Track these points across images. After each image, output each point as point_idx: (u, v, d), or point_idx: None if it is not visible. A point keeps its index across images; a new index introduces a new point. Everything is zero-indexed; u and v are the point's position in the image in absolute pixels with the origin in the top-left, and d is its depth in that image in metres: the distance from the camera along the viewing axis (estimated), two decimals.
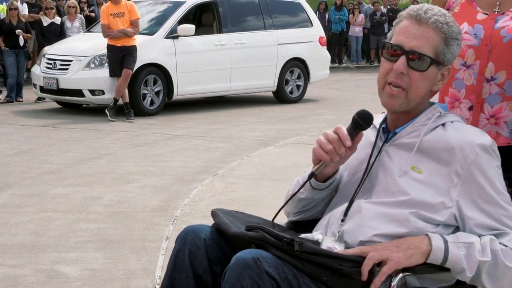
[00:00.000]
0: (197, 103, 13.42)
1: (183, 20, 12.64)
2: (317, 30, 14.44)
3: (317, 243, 2.33)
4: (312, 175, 2.43)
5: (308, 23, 14.34)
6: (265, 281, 2.13)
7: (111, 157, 8.53)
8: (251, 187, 7.04)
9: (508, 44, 2.65)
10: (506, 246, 2.27)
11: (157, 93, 12.20)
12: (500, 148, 2.42)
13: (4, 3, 15.19)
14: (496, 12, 2.71)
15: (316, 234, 2.37)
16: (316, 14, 20.24)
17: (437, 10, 2.39)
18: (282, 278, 2.16)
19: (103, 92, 11.74)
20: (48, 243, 5.30)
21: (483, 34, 2.68)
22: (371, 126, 2.51)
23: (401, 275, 2.24)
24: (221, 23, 13.09)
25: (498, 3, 2.73)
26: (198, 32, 12.67)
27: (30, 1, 16.66)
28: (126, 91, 11.51)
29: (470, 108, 2.75)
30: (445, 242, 2.26)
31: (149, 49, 12.06)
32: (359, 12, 22.02)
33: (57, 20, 14.35)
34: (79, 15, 15.53)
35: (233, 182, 7.27)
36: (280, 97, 13.85)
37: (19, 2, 15.88)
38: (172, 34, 12.32)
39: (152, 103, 12.15)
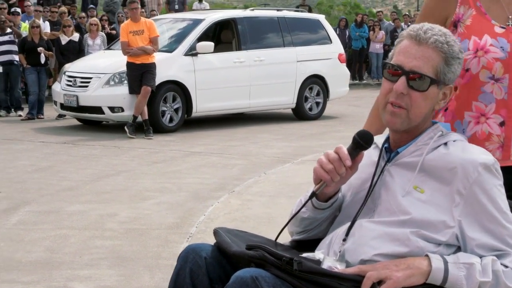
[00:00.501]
0: (216, 120, 13.46)
1: (202, 37, 12.71)
2: (337, 47, 14.45)
3: (318, 262, 2.32)
4: (313, 194, 2.43)
5: (327, 40, 14.35)
6: None
7: (128, 174, 8.57)
8: (266, 205, 7.04)
9: None
10: (507, 267, 2.25)
11: (176, 110, 12.26)
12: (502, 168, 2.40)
13: (27, 21, 15.37)
14: (510, 25, 2.68)
15: (317, 254, 2.36)
16: (336, 31, 20.28)
17: (438, 30, 2.38)
18: None
19: (122, 109, 11.81)
20: (63, 260, 5.33)
21: (509, 47, 2.64)
22: (374, 145, 2.52)
23: None
24: (240, 40, 13.15)
25: (509, 16, 2.70)
26: (217, 49, 12.73)
27: (52, 19, 16.85)
28: (145, 108, 11.58)
29: (502, 124, 2.69)
30: (445, 262, 2.24)
31: (168, 66, 12.13)
32: (380, 29, 22.02)
33: (75, 37, 14.48)
34: (101, 32, 15.67)
35: (249, 199, 7.28)
36: (299, 114, 13.85)
37: (41, 20, 16.07)
38: (191, 52, 12.39)
39: (171, 120, 12.20)
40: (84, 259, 5.36)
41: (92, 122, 12.72)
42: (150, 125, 11.58)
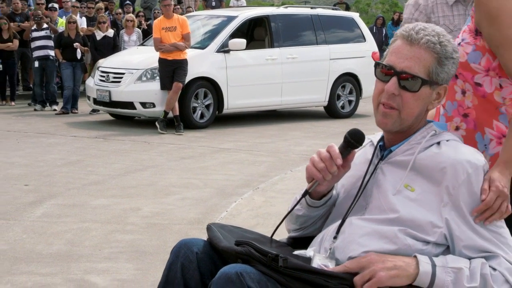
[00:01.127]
0: (247, 116, 13.48)
1: (235, 34, 12.74)
2: (370, 45, 14.36)
3: (309, 259, 2.32)
4: (306, 192, 2.44)
5: (361, 38, 14.28)
6: None
7: (156, 169, 8.63)
8: (289, 202, 7.00)
9: None
10: (495, 269, 2.23)
11: (207, 107, 12.31)
12: None
13: (64, 17, 15.55)
14: None
15: (309, 251, 2.37)
16: (373, 29, 20.21)
17: (431, 30, 2.35)
18: None
19: (154, 105, 11.90)
20: (82, 253, 5.39)
21: None
22: (370, 143, 2.51)
23: None
24: (273, 37, 13.15)
25: None
26: (249, 46, 12.76)
27: (89, 15, 17.02)
28: (176, 104, 11.65)
29: None
30: (433, 265, 2.23)
31: (200, 63, 12.18)
32: None
33: (110, 33, 14.61)
34: (137, 28, 15.78)
35: (272, 196, 7.28)
36: (331, 112, 13.82)
37: (78, 15, 16.25)
38: (224, 48, 12.43)
39: (202, 116, 12.26)
40: (103, 253, 5.42)
41: (124, 117, 12.85)
42: (181, 121, 11.65)
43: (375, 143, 2.51)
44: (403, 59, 2.34)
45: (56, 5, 16.37)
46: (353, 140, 2.39)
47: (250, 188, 7.63)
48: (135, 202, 6.98)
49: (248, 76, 12.60)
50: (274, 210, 6.74)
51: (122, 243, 5.65)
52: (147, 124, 12.30)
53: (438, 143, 2.38)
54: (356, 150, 2.42)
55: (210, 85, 12.29)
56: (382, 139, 2.51)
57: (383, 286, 2.21)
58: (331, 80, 13.64)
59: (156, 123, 11.59)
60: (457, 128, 2.67)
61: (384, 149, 2.47)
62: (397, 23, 21.93)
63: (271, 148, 10.23)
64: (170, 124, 11.63)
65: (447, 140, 2.38)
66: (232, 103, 12.46)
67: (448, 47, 2.36)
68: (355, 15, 14.86)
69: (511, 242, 2.29)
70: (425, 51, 2.33)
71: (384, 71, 2.38)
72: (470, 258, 2.26)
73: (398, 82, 2.33)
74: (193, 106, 12.13)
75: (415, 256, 2.25)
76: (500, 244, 2.26)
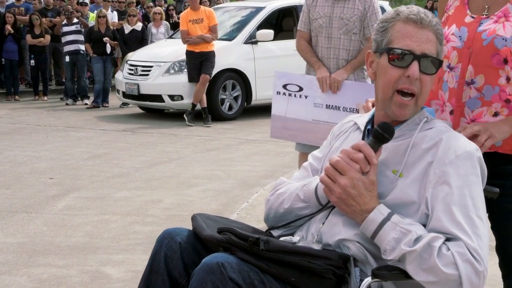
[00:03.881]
0: None
1: (263, 25, 12.70)
2: None
3: (294, 244, 2.29)
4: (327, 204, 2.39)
5: None
6: (228, 287, 2.11)
7: (181, 161, 8.65)
8: None
9: (486, 47, 2.56)
10: (449, 250, 2.13)
11: (236, 98, 12.31)
12: (483, 155, 2.32)
13: (95, 11, 15.66)
14: (484, 16, 2.63)
15: (294, 237, 2.34)
16: None
17: (426, 11, 2.36)
18: (247, 283, 2.14)
19: (182, 97, 11.92)
20: (100, 245, 5.42)
21: (466, 37, 2.61)
22: (354, 126, 2.47)
23: (369, 280, 2.18)
24: None
25: (487, 6, 2.64)
26: (277, 37, 12.70)
27: (120, 8, 17.11)
28: (204, 96, 11.66)
29: (451, 112, 2.66)
30: (386, 219, 2.19)
31: (228, 55, 12.17)
32: None
33: (138, 26, 14.64)
34: (164, 21, 15.81)
35: None
36: None
37: (109, 10, 16.35)
38: (251, 40, 12.41)
39: (230, 108, 12.26)
40: (120, 244, 5.44)
41: (154, 110, 12.89)
42: (209, 113, 11.66)
43: (361, 127, 2.46)
44: (420, 43, 2.31)
45: (87, 0, 16.48)
46: (386, 133, 2.29)
47: (273, 179, 7.60)
48: (157, 194, 7.00)
49: (276, 67, 12.45)
50: None
51: (140, 235, 5.67)
52: (176, 116, 12.34)
53: (431, 129, 2.34)
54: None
55: (238, 77, 12.28)
56: (369, 122, 2.46)
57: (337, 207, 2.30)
58: None
59: (184, 116, 11.61)
60: (495, 114, 2.62)
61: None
62: (430, 10, 21.66)
63: None
64: (198, 116, 11.64)
65: (439, 128, 2.34)
66: (261, 94, 12.42)
67: (441, 27, 2.37)
68: (385, 3, 14.69)
69: (484, 235, 2.17)
70: (433, 33, 2.33)
71: (398, 57, 2.31)
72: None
73: (419, 66, 2.30)
74: (221, 98, 12.14)
75: (380, 203, 2.25)
76: (468, 231, 2.15)
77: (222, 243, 2.23)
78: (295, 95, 5.73)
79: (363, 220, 2.23)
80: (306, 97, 5.67)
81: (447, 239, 2.15)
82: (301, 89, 5.69)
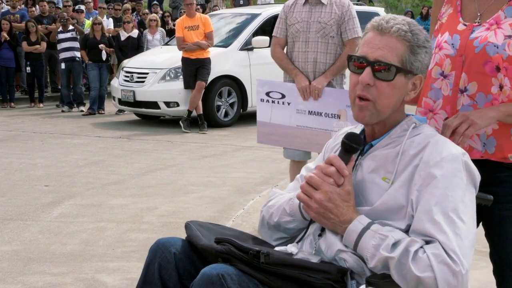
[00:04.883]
0: None
1: (259, 32, 12.71)
2: None
3: (291, 255, 2.29)
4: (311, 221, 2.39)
5: None
6: None
7: (176, 168, 8.64)
8: None
9: (479, 54, 2.57)
10: (424, 252, 2.11)
11: (232, 105, 12.32)
12: (473, 162, 2.33)
13: (90, 18, 15.66)
14: (476, 23, 2.64)
15: (290, 247, 2.34)
16: None
17: (401, 19, 2.34)
18: None
19: (177, 104, 11.93)
20: (95, 253, 5.41)
21: (458, 44, 2.62)
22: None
23: (363, 287, 2.18)
24: None
25: (479, 14, 2.65)
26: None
27: (116, 16, 17.12)
28: (200, 103, 11.67)
29: (446, 119, 2.66)
30: (365, 228, 2.21)
31: (223, 61, 12.19)
32: None
33: (134, 33, 14.66)
34: (160, 28, 15.82)
35: None
36: None
37: (105, 17, 16.36)
38: (247, 46, 12.42)
39: (226, 114, 12.26)
40: (116, 252, 5.43)
41: (149, 117, 12.89)
42: (205, 120, 11.66)
43: None
44: (375, 49, 2.30)
45: (82, 7, 16.48)
46: (354, 143, 2.33)
47: (269, 185, 7.61)
48: (153, 201, 6.99)
49: (271, 74, 12.48)
50: None
51: (136, 242, 5.66)
52: (172, 123, 12.34)
53: (418, 135, 2.34)
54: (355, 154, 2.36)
55: (234, 83, 12.30)
56: (362, 132, 2.46)
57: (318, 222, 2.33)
58: None
59: (180, 122, 11.61)
60: None
61: (364, 143, 2.43)
62: (425, 17, 21.69)
63: None
64: (194, 123, 11.65)
65: (426, 133, 2.34)
66: None
67: (420, 35, 2.33)
68: (380, 10, 14.75)
69: (465, 236, 2.14)
70: (397, 40, 2.30)
71: (357, 64, 2.34)
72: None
73: (372, 72, 2.29)
74: (217, 104, 12.15)
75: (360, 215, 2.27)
76: (447, 231, 2.13)
77: (221, 253, 2.22)
78: (278, 102, 5.82)
79: (343, 231, 2.25)
80: (288, 103, 5.78)
81: (427, 242, 2.14)
82: (283, 96, 5.80)
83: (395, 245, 2.14)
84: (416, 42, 2.31)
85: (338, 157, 2.32)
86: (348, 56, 2.37)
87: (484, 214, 2.62)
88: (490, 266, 2.87)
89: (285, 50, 5.91)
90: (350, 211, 2.25)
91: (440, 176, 2.20)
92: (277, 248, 2.35)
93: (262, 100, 5.96)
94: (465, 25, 2.66)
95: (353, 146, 2.33)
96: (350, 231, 2.22)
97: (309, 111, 5.69)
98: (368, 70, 2.30)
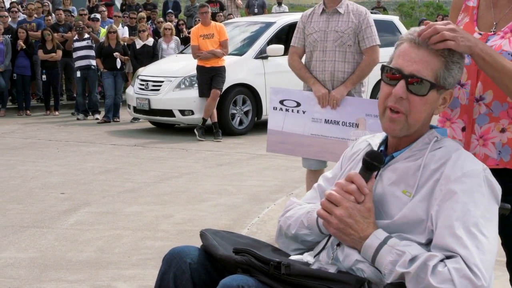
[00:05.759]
0: None
1: (273, 40, 12.75)
2: None
3: (307, 264, 2.30)
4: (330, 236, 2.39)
5: None
6: None
7: (191, 176, 8.67)
8: None
9: None
10: (445, 266, 2.09)
11: (246, 113, 12.34)
12: (492, 171, 2.33)
13: (106, 26, 15.75)
14: (491, 32, 2.64)
15: (306, 256, 2.34)
16: None
17: None
18: None
19: (192, 112, 11.96)
20: (111, 260, 5.43)
21: None
22: (369, 147, 2.47)
23: None
24: None
25: (495, 23, 2.66)
26: (288, 52, 12.68)
27: (131, 24, 17.20)
28: (215, 111, 11.71)
29: (463, 129, 2.66)
30: (382, 243, 2.20)
31: (238, 70, 12.22)
32: None
33: (150, 42, 14.74)
34: (175, 36, 15.88)
35: None
36: None
37: (120, 25, 16.44)
38: (262, 55, 12.45)
39: (241, 122, 12.29)
40: (132, 259, 5.45)
41: (164, 125, 12.93)
42: (219, 128, 11.69)
43: (375, 148, 2.46)
44: (411, 62, 2.29)
45: (98, 15, 16.58)
46: (375, 161, 2.32)
47: (283, 193, 7.62)
48: (168, 209, 7.02)
49: (286, 82, 12.48)
50: None
51: (151, 250, 5.68)
52: (187, 131, 12.38)
53: (439, 148, 2.33)
54: (375, 172, 2.35)
55: (249, 92, 12.33)
56: (383, 143, 2.46)
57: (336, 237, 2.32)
58: (370, 84, 13.52)
59: (195, 130, 11.65)
60: (503, 130, 2.62)
61: (385, 154, 2.43)
62: None
63: None
64: (209, 131, 11.68)
65: (449, 147, 2.33)
66: None
67: (455, 51, 2.32)
68: (395, 19, 14.75)
69: (488, 251, 2.13)
70: (433, 55, 2.29)
71: (390, 76, 2.32)
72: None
73: (406, 85, 2.28)
74: (232, 112, 12.18)
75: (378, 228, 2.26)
76: (469, 246, 2.11)
77: (241, 264, 2.23)
78: (292, 110, 5.84)
79: (361, 246, 2.25)
80: (304, 112, 5.79)
81: (448, 257, 2.12)
82: (298, 104, 5.81)
83: (412, 260, 2.13)
84: (451, 58, 2.31)
85: (358, 175, 2.31)
86: (382, 66, 2.36)
87: (501, 224, 2.61)
88: (506, 275, 2.86)
89: (303, 60, 5.93)
90: (370, 227, 2.25)
91: (461, 191, 2.19)
92: (292, 257, 2.36)
93: (275, 108, 5.97)
94: (480, 34, 2.67)
95: (375, 164, 2.32)
96: (367, 246, 2.22)
97: (325, 120, 5.70)
98: (402, 83, 2.29)
